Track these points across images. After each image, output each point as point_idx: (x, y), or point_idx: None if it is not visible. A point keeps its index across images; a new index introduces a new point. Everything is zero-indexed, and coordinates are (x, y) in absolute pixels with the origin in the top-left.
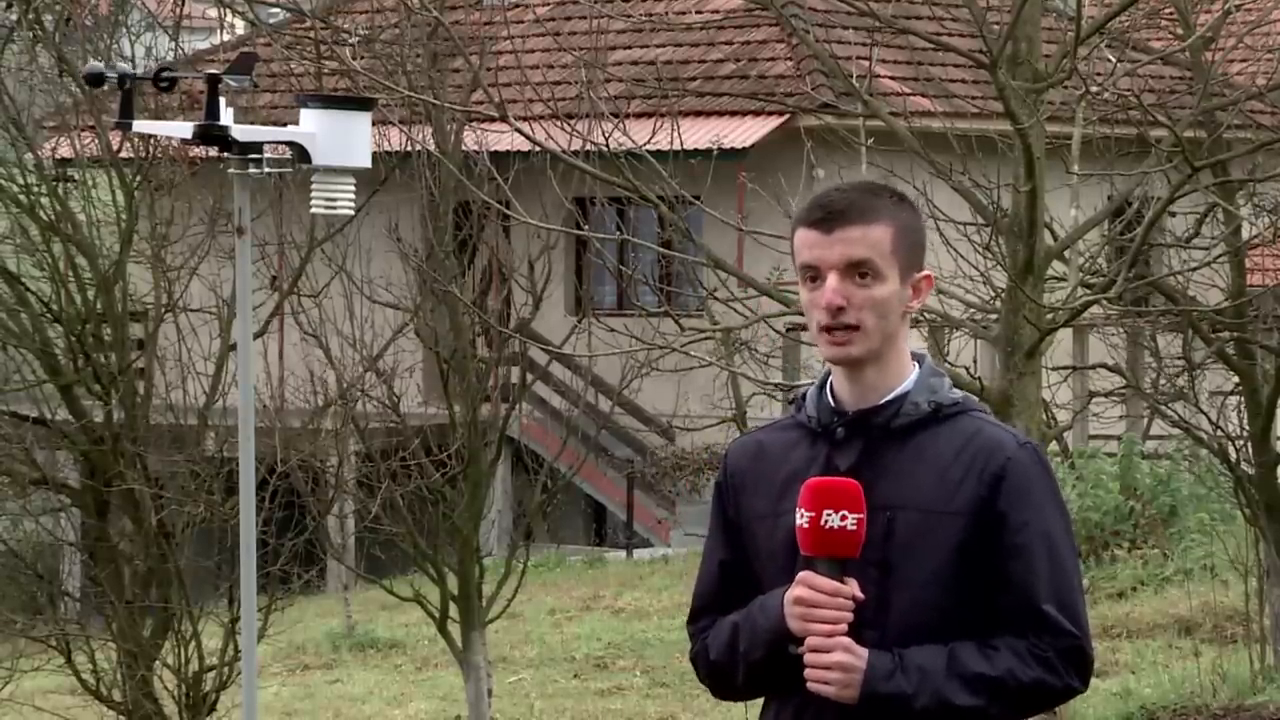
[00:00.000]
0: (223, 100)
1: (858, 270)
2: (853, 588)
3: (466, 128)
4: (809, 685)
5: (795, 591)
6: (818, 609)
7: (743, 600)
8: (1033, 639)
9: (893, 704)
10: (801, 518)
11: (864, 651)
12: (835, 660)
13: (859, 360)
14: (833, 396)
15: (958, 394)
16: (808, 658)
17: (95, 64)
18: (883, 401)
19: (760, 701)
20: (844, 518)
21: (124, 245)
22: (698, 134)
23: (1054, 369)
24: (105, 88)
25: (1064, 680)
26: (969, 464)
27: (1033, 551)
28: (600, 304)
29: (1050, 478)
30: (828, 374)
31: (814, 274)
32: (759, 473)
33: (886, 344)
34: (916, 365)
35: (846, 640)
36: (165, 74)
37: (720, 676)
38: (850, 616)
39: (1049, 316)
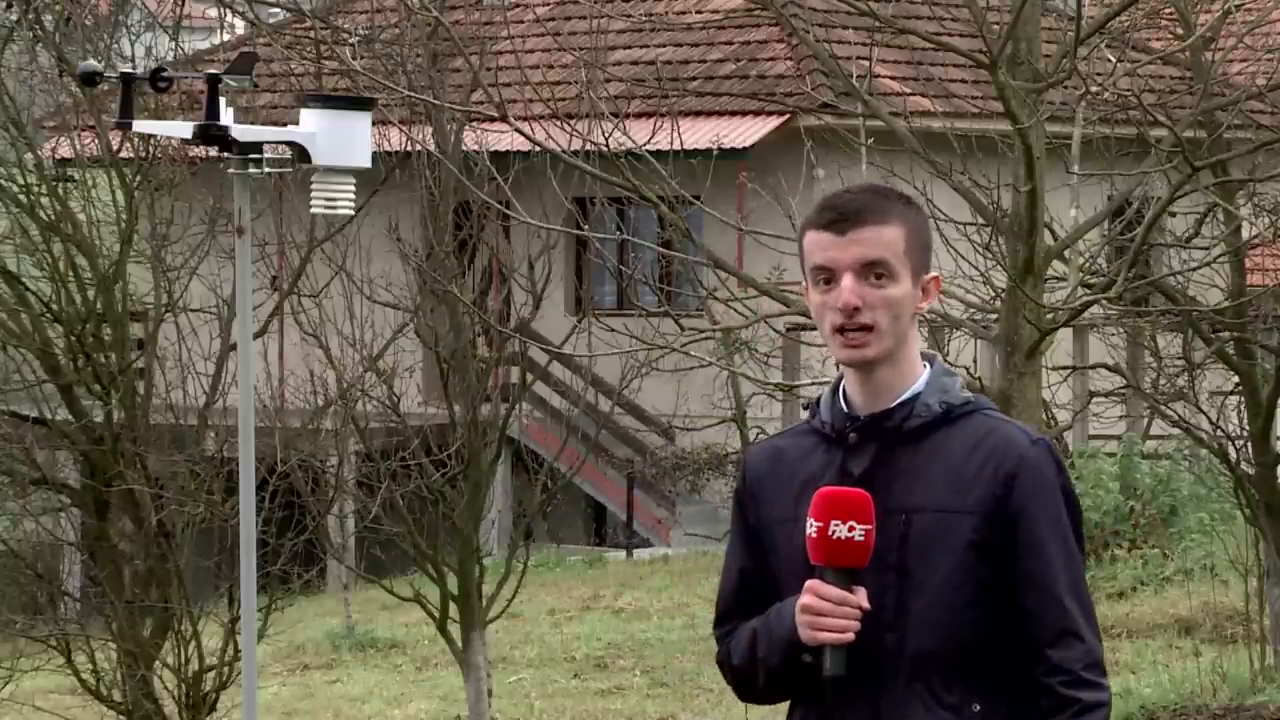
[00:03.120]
0: (223, 100)
1: (873, 271)
2: (860, 597)
3: (466, 128)
4: None
5: (803, 600)
6: (824, 617)
7: (764, 605)
8: (1060, 686)
9: None
10: (810, 527)
11: None
12: None
13: (874, 361)
14: (845, 401)
15: (969, 393)
16: None
17: (89, 63)
18: (895, 404)
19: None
20: (851, 529)
21: (124, 245)
22: (698, 134)
23: (1054, 369)
24: (104, 87)
25: (1097, 695)
26: (982, 463)
27: (1051, 547)
28: (600, 304)
29: (1063, 473)
30: (840, 378)
31: (827, 276)
32: (777, 478)
33: (899, 345)
34: (928, 366)
35: None
36: (161, 73)
37: (743, 681)
38: (857, 625)
39: (1049, 316)
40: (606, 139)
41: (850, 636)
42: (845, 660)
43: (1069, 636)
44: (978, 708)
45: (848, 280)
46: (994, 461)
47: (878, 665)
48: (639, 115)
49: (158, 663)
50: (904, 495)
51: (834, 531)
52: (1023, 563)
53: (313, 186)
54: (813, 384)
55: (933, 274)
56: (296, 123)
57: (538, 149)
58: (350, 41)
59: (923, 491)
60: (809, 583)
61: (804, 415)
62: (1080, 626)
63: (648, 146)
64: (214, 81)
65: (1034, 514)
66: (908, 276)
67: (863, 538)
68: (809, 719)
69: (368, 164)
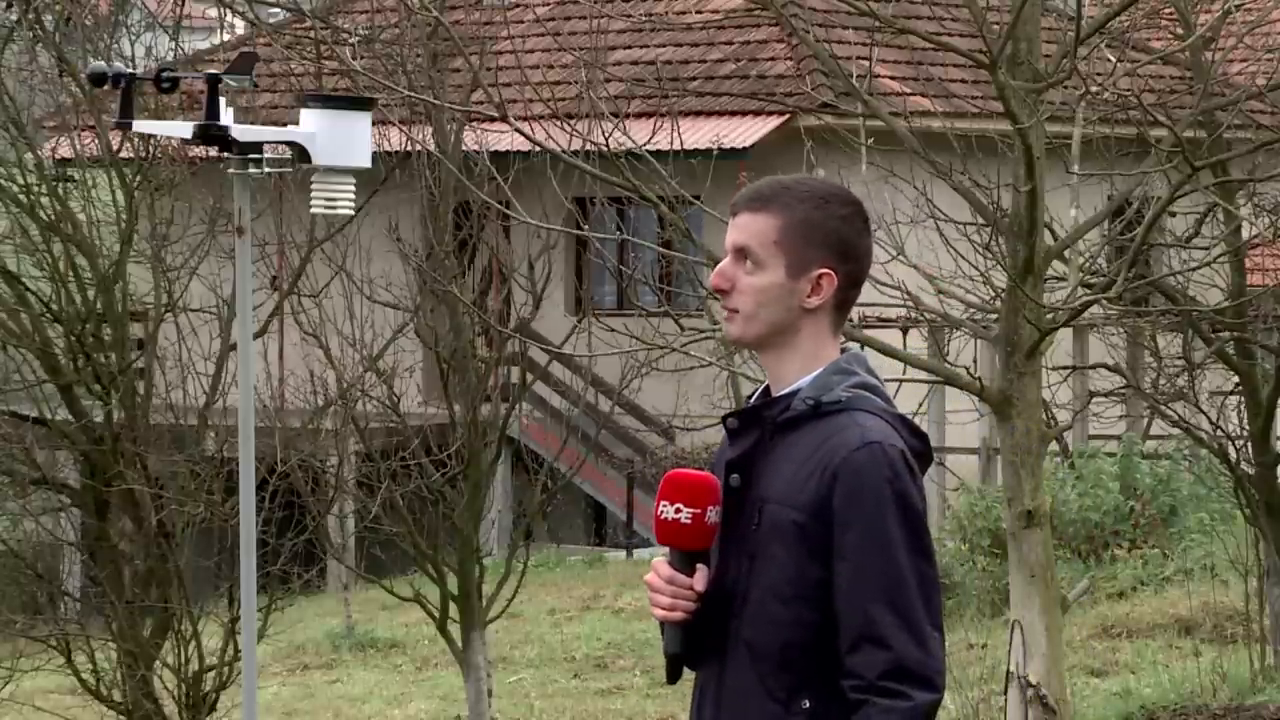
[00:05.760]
0: (223, 100)
1: (741, 256)
2: (698, 578)
3: (466, 128)
4: None
5: (646, 576)
6: (655, 594)
7: None
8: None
9: None
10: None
11: None
12: None
13: (740, 342)
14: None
15: (851, 393)
16: None
17: (98, 63)
18: (779, 395)
19: None
20: (678, 511)
21: (124, 245)
22: (698, 134)
23: (1054, 369)
24: (107, 87)
25: (891, 702)
26: (817, 462)
27: (860, 552)
28: (600, 304)
29: (893, 480)
30: None
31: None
32: (720, 456)
33: (778, 335)
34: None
35: None
36: (166, 74)
37: None
38: (690, 606)
39: (1049, 316)
40: (606, 139)
41: (678, 615)
42: (680, 639)
43: (867, 643)
44: (807, 704)
45: (723, 262)
46: (824, 461)
47: (723, 649)
48: (639, 115)
49: (158, 663)
50: (763, 485)
51: (662, 512)
52: (835, 566)
53: (313, 186)
54: None
55: (823, 270)
56: (296, 123)
57: (538, 149)
58: (350, 41)
59: (775, 484)
60: (654, 560)
61: None
62: (885, 633)
63: (648, 146)
64: (214, 81)
65: (847, 517)
66: (779, 267)
67: (689, 520)
68: (694, 693)
69: (368, 164)
